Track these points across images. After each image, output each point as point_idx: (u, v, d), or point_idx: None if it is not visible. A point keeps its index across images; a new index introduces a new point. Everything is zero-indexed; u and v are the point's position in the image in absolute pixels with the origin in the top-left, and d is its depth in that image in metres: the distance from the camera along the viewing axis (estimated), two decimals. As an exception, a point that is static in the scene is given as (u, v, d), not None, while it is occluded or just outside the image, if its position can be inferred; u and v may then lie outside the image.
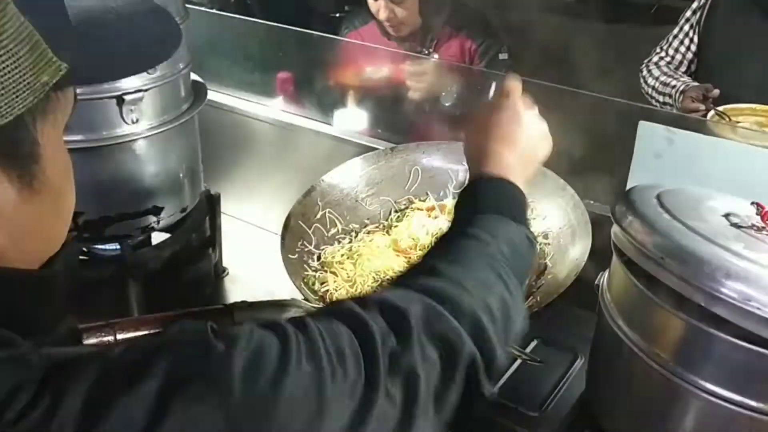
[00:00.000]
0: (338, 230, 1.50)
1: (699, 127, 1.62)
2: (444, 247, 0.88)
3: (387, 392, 0.64)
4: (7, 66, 0.54)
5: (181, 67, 1.45)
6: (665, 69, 2.42)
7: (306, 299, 1.29)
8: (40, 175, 0.60)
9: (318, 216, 1.49)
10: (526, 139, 1.00)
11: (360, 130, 1.99)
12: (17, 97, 0.55)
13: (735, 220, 1.00)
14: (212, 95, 1.63)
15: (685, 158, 1.35)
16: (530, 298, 1.29)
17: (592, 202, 1.46)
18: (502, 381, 1.26)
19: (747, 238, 0.96)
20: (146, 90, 1.34)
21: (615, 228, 1.05)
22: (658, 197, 1.04)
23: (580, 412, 1.20)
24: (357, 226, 1.53)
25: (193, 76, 1.56)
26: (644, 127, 1.39)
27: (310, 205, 1.49)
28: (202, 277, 1.66)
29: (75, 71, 0.60)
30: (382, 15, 2.39)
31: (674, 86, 2.32)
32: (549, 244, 1.41)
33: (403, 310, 0.71)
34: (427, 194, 1.57)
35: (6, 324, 0.57)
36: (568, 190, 1.42)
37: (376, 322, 0.68)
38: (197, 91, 1.54)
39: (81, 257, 1.49)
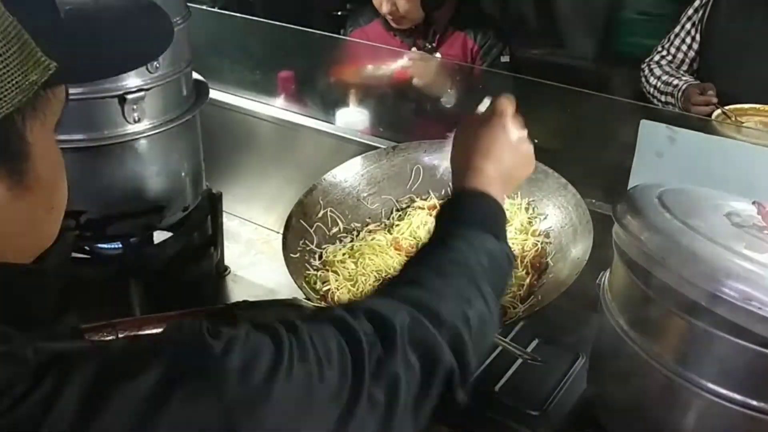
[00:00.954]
0: (340, 229, 1.50)
1: (701, 126, 1.62)
2: (425, 257, 0.90)
3: (371, 396, 0.67)
4: None
5: (183, 65, 1.45)
6: (667, 68, 2.42)
7: (308, 298, 1.29)
8: (30, 173, 0.61)
9: (319, 215, 1.49)
10: (511, 158, 1.02)
11: (362, 128, 1.99)
12: (5, 96, 0.56)
13: (736, 219, 1.00)
14: (214, 94, 1.63)
15: (687, 157, 1.35)
16: (531, 297, 1.29)
17: (593, 201, 1.46)
18: (503, 380, 1.26)
19: (748, 237, 0.96)
20: (148, 89, 1.35)
21: (616, 227, 1.05)
22: (660, 196, 1.04)
23: (581, 411, 1.20)
24: (358, 224, 1.53)
25: (195, 75, 1.56)
26: (646, 126, 1.38)
27: (312, 203, 1.49)
28: (203, 276, 1.66)
29: (66, 69, 0.60)
30: (385, 8, 2.41)
31: (676, 85, 2.32)
32: (550, 242, 1.40)
33: (389, 319, 0.73)
34: (429, 193, 1.57)
35: (1, 318, 0.57)
36: (569, 188, 1.42)
37: (364, 329, 0.71)
38: (199, 90, 1.54)
39: (83, 256, 1.49)
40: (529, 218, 1.46)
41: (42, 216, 0.66)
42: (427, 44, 2.46)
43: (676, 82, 2.33)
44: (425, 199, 1.56)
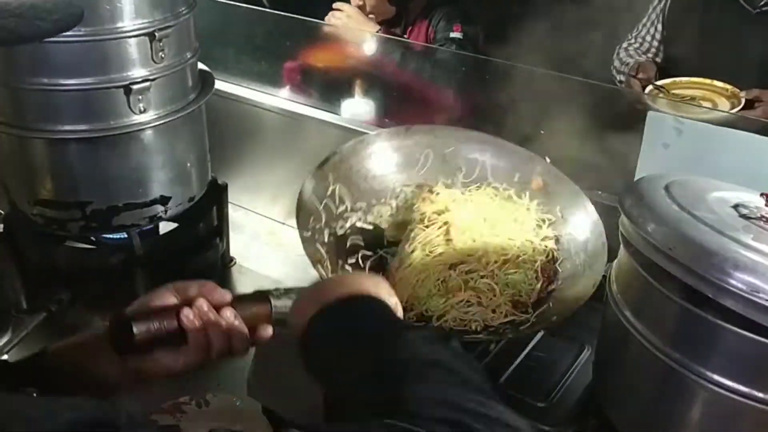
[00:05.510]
0: (347, 208, 1.47)
1: (708, 117, 1.61)
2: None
3: None
4: None
5: (189, 56, 1.44)
6: (633, 53, 2.51)
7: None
8: None
9: (328, 192, 1.45)
10: None
11: (367, 119, 1.99)
12: None
13: (744, 211, 1.00)
14: (220, 84, 1.63)
15: (694, 148, 1.34)
16: (544, 305, 1.29)
17: (599, 192, 1.45)
18: (508, 372, 1.26)
19: (756, 229, 0.95)
20: (153, 79, 1.34)
21: (623, 218, 1.04)
22: (667, 188, 1.03)
23: (586, 402, 1.20)
24: (364, 204, 1.48)
25: (201, 66, 1.55)
26: (653, 117, 1.38)
27: (322, 178, 1.44)
28: (209, 266, 1.66)
29: None
30: (353, 2, 2.52)
31: (628, 63, 2.44)
32: (558, 249, 1.39)
33: None
34: (437, 179, 1.54)
35: None
36: (589, 207, 1.40)
37: None
38: (204, 81, 1.54)
39: (89, 246, 1.50)
40: (538, 223, 1.44)
41: None
42: (397, 36, 2.53)
43: (632, 62, 2.43)
44: (433, 192, 1.53)
